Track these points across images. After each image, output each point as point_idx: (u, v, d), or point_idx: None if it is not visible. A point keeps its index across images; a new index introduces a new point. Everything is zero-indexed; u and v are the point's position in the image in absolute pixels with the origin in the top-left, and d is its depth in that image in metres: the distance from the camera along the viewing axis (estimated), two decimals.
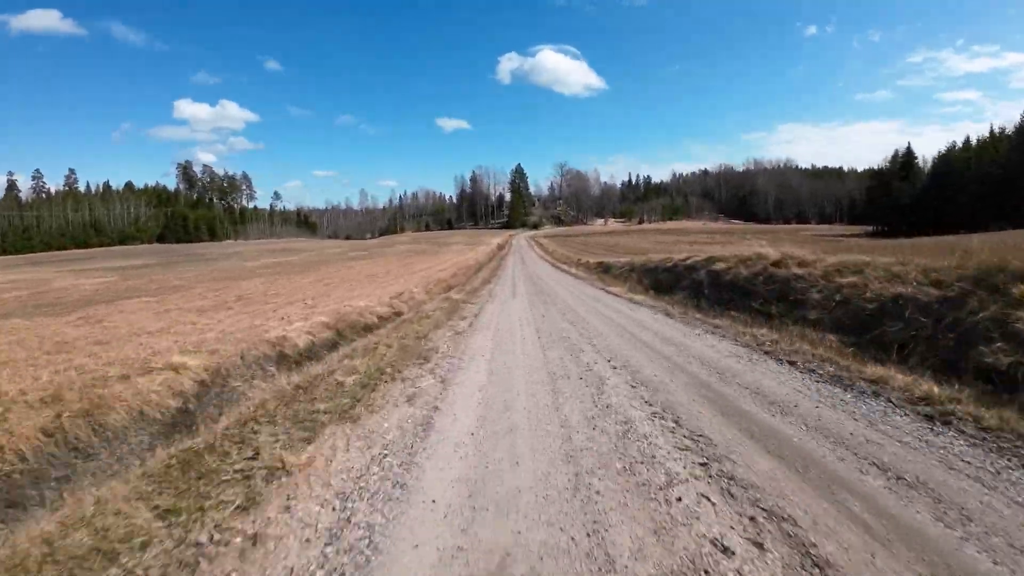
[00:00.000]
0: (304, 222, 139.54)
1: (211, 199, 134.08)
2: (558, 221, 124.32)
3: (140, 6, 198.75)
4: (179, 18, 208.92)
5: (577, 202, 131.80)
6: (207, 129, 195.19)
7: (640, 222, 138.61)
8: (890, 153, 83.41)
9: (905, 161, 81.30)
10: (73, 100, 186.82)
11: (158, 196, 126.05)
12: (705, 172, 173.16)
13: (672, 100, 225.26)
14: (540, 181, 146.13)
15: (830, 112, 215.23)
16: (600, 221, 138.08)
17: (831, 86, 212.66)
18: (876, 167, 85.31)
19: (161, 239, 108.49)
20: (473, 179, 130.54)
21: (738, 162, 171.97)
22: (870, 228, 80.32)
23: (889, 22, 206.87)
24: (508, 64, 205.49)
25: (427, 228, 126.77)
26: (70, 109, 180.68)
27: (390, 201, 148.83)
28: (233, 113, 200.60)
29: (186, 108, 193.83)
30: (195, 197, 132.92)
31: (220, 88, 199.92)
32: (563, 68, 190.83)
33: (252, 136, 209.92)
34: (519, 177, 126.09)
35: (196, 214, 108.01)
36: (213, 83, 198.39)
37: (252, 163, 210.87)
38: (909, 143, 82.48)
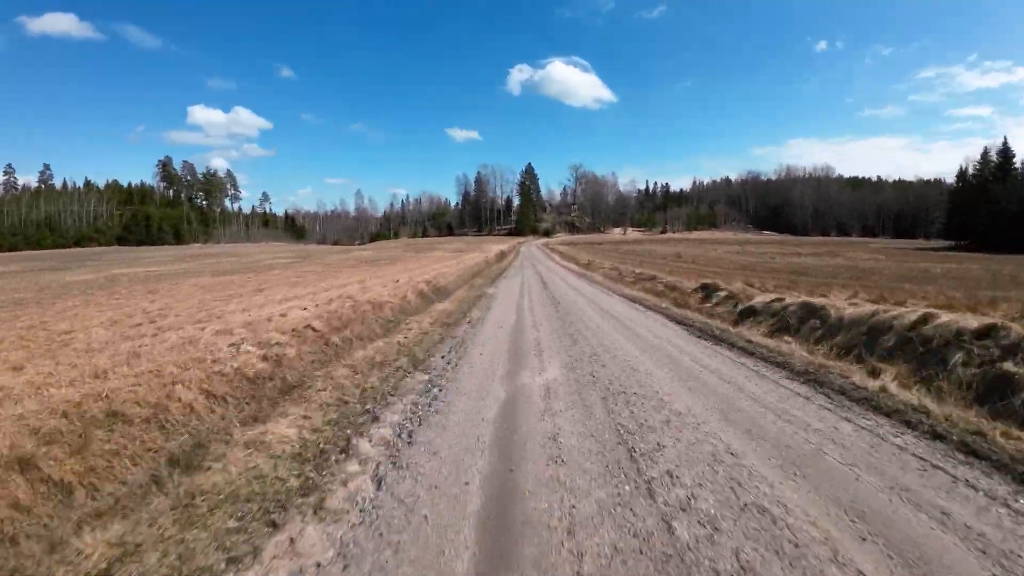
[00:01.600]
0: (291, 226, 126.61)
1: (190, 198, 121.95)
2: (572, 228, 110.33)
3: (156, 12, 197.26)
4: (194, 24, 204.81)
5: (593, 208, 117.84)
6: (221, 135, 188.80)
7: (663, 231, 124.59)
8: (982, 151, 68.39)
9: (1001, 162, 66.47)
10: (88, 103, 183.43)
11: (130, 195, 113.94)
12: (728, 180, 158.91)
13: (682, 114, 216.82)
14: (552, 186, 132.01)
15: (840, 127, 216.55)
16: (617, 230, 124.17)
17: (841, 101, 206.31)
18: (968, 169, 70.26)
19: (122, 240, 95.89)
20: (478, 180, 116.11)
21: (767, 169, 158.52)
22: (950, 242, 65.52)
23: (900, 38, 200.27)
24: (519, 75, 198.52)
25: (424, 234, 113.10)
26: (85, 111, 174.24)
27: (391, 206, 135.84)
28: (247, 119, 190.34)
29: (200, 114, 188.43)
30: (171, 196, 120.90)
31: (234, 94, 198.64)
32: (573, 80, 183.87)
33: (266, 143, 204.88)
34: (529, 178, 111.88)
35: (160, 213, 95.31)
36: (227, 89, 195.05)
37: (265, 169, 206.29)
38: (1005, 138, 67.52)
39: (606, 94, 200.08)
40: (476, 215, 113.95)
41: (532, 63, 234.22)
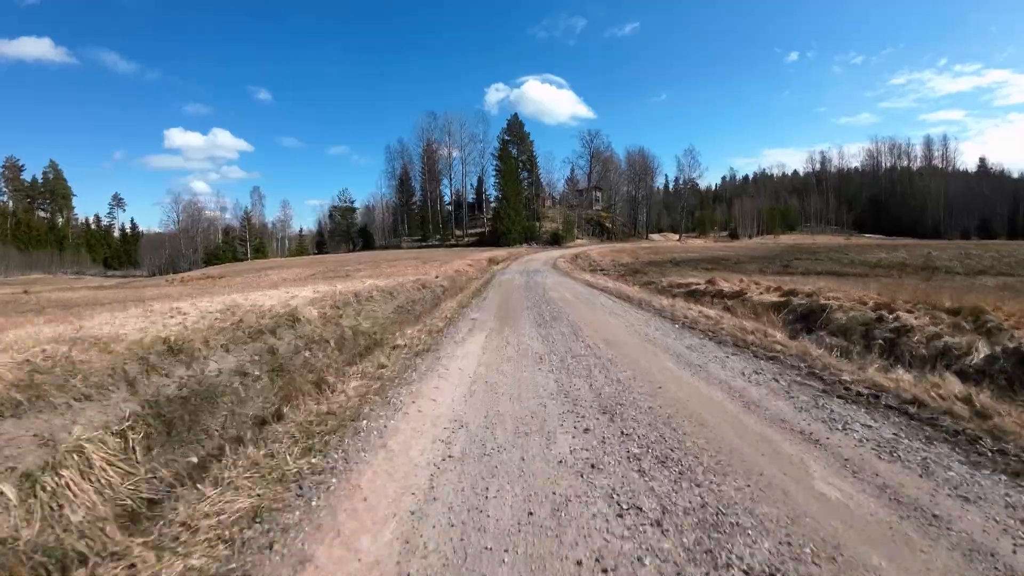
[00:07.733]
0: (125, 243, 76.22)
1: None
2: (600, 230, 62.06)
3: (131, 36, 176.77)
4: (170, 48, 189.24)
5: (633, 202, 71.06)
6: (201, 158, 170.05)
7: (732, 236, 78.15)
8: None
9: None
10: (64, 128, 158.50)
11: None
12: (769, 174, 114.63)
13: (659, 128, 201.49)
14: (550, 170, 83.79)
15: (816, 136, 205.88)
16: (658, 236, 77.44)
17: (814, 110, 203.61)
18: None
19: None
20: (427, 151, 65.03)
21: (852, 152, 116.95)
22: None
23: (869, 45, 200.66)
24: (496, 95, 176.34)
25: (320, 249, 63.60)
26: (61, 137, 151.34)
27: (330, 215, 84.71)
28: (226, 142, 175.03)
29: (178, 137, 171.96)
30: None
31: (212, 117, 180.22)
32: (549, 98, 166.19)
33: (246, 165, 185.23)
34: (518, 140, 61.87)
35: None
36: (205, 112, 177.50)
37: (246, 192, 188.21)
38: None
39: (585, 112, 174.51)
40: (422, 214, 64.22)
41: (508, 82, 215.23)
